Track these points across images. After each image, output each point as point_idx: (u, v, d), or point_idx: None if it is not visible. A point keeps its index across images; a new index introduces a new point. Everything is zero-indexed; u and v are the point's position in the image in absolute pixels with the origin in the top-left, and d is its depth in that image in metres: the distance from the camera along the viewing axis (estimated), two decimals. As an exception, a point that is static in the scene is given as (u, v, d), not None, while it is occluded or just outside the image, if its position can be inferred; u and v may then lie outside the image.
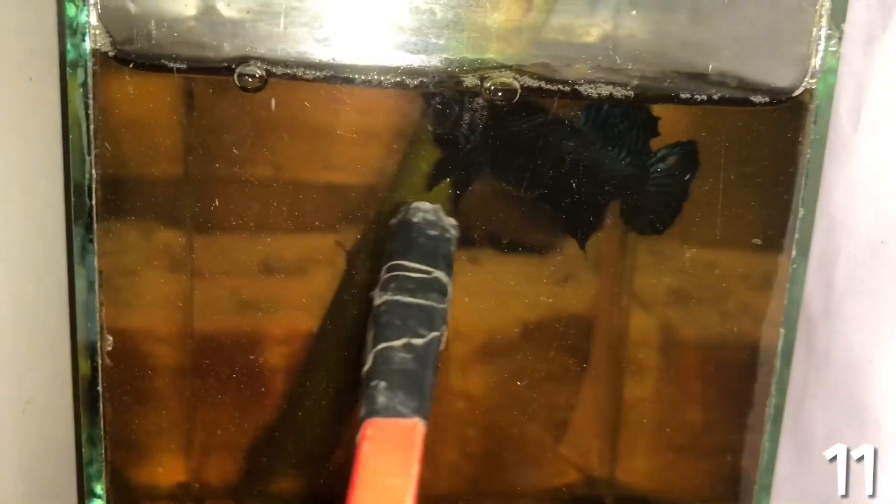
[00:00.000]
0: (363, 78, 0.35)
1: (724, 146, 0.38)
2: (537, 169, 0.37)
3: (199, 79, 0.35)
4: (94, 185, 0.35)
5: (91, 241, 0.36)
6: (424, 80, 0.35)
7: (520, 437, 0.41)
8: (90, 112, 0.35)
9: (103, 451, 0.38)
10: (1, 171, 0.35)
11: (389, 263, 0.33)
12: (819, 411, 0.41)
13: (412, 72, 0.35)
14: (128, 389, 0.38)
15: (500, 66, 0.35)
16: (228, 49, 0.35)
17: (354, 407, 0.35)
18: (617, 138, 0.37)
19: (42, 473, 0.41)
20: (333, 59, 0.35)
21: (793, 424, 0.42)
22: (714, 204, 0.38)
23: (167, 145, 0.36)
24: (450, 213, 0.37)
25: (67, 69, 0.34)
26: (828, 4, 0.36)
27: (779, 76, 0.37)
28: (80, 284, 0.36)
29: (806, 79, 0.37)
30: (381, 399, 0.28)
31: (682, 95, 0.36)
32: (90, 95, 0.34)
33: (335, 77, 0.35)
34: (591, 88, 0.36)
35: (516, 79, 0.35)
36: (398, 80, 0.35)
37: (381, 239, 0.36)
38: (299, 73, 0.35)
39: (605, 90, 0.36)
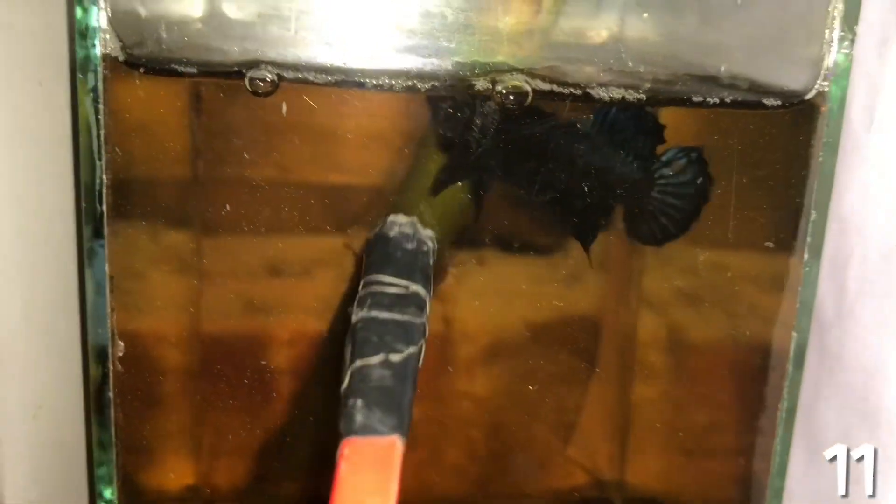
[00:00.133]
0: (374, 82, 0.35)
1: (736, 149, 0.38)
2: (544, 172, 0.37)
3: (210, 83, 0.35)
4: (104, 190, 0.35)
5: (101, 246, 0.36)
6: (436, 83, 0.35)
7: (531, 439, 0.41)
8: (100, 117, 0.34)
9: (114, 456, 0.38)
10: (11, 176, 0.35)
11: (366, 278, 0.33)
12: (831, 414, 0.41)
13: (423, 76, 0.35)
14: (138, 394, 0.38)
15: (512, 70, 0.35)
16: (239, 53, 0.34)
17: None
18: (622, 144, 0.37)
19: (53, 478, 0.41)
20: (345, 63, 0.35)
21: (805, 427, 0.42)
22: (726, 207, 0.38)
23: (177, 149, 0.36)
24: (461, 216, 0.37)
25: (77, 74, 0.34)
26: (841, 6, 0.36)
27: (791, 79, 0.37)
28: (91, 290, 0.36)
29: (818, 81, 0.37)
30: (359, 418, 0.28)
31: (694, 99, 0.36)
32: (100, 100, 0.34)
33: (346, 81, 0.35)
34: (602, 92, 0.36)
35: (528, 82, 0.35)
36: (409, 84, 0.35)
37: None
38: (310, 77, 0.35)
39: (617, 93, 0.36)
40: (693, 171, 0.38)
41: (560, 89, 0.36)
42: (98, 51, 0.34)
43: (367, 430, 0.28)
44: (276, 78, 0.34)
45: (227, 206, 0.36)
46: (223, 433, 0.39)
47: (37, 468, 0.38)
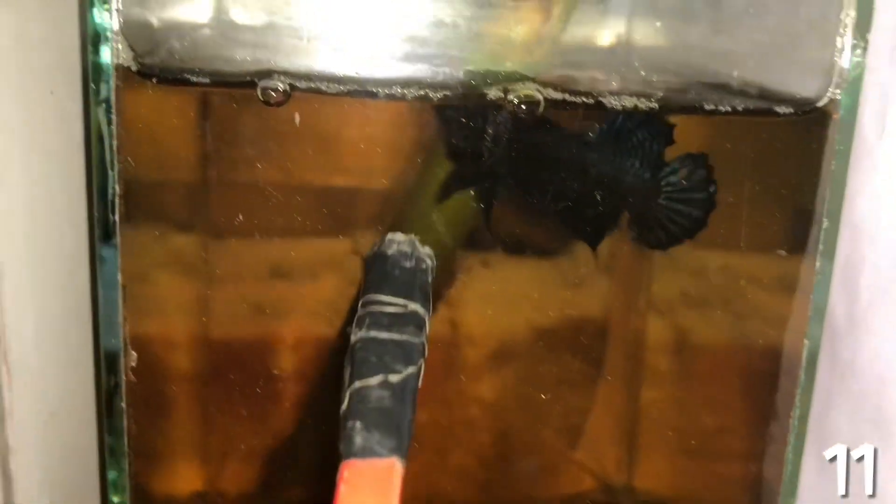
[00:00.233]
0: (386, 92, 0.35)
1: (748, 157, 0.38)
2: (552, 178, 0.37)
3: (222, 92, 0.35)
4: (116, 200, 0.35)
5: (114, 255, 0.36)
6: (448, 93, 0.35)
7: (539, 444, 0.41)
8: (113, 127, 0.35)
9: (126, 464, 0.38)
10: (23, 185, 0.35)
11: (364, 298, 0.33)
12: (843, 422, 0.41)
13: (435, 85, 0.35)
14: (150, 403, 0.38)
15: (524, 79, 0.35)
16: (251, 63, 0.34)
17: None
18: (631, 147, 0.37)
19: (65, 485, 0.41)
20: (357, 72, 0.35)
21: (816, 435, 0.42)
22: (738, 214, 0.38)
23: (189, 158, 0.36)
24: (471, 222, 0.37)
25: (90, 84, 0.34)
26: (853, 14, 0.36)
27: (803, 86, 0.37)
28: (103, 299, 0.36)
29: (830, 89, 0.37)
30: (358, 440, 0.28)
31: (707, 107, 0.36)
32: (113, 110, 0.34)
33: (358, 91, 0.35)
34: (614, 100, 0.36)
35: (539, 91, 0.35)
36: (422, 93, 0.35)
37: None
38: (322, 86, 0.35)
39: (629, 102, 0.36)
40: (699, 178, 0.38)
41: (572, 98, 0.36)
42: (111, 61, 0.34)
43: (366, 452, 0.28)
44: (288, 88, 0.34)
45: (240, 216, 0.36)
46: (235, 440, 0.39)
47: (49, 475, 0.39)
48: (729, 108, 0.36)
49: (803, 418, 0.40)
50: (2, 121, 0.33)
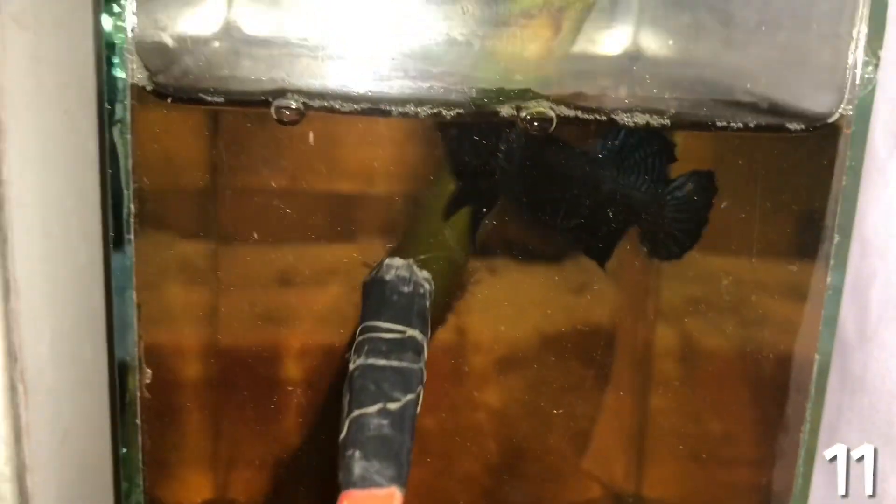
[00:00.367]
0: (400, 110, 0.35)
1: (759, 172, 0.38)
2: (558, 196, 0.37)
3: (236, 111, 0.35)
4: (131, 219, 0.35)
5: (129, 274, 0.36)
6: (461, 111, 0.35)
7: (547, 452, 0.41)
8: (128, 146, 0.35)
9: (141, 481, 0.38)
10: (38, 204, 0.35)
11: (363, 325, 0.33)
12: (853, 436, 0.41)
13: (448, 103, 0.35)
14: (165, 420, 0.38)
15: (537, 96, 0.35)
16: (265, 82, 0.35)
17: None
18: (634, 164, 0.37)
19: (81, 500, 0.41)
20: (370, 91, 0.35)
21: (827, 448, 0.42)
22: (749, 229, 0.38)
23: (204, 176, 0.36)
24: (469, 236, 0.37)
25: (105, 104, 0.34)
26: (865, 30, 0.36)
27: (815, 102, 0.37)
28: (118, 317, 0.36)
29: (842, 105, 0.37)
30: (357, 469, 0.28)
31: (718, 123, 0.36)
32: (128, 130, 0.34)
33: (371, 109, 0.35)
34: (627, 117, 0.36)
35: (552, 108, 0.35)
36: (435, 111, 0.35)
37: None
38: (336, 105, 0.35)
39: (642, 119, 0.36)
40: (704, 194, 0.38)
41: (584, 115, 0.36)
42: (126, 80, 0.34)
43: (365, 482, 0.28)
44: (301, 106, 0.34)
45: (255, 234, 0.36)
46: (252, 456, 0.40)
47: (64, 493, 0.39)
48: (741, 125, 0.36)
49: (814, 432, 0.40)
50: (17, 140, 0.33)
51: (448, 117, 0.35)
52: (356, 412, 0.30)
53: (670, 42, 0.36)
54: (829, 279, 0.38)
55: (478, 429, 0.40)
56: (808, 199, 0.38)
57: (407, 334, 0.32)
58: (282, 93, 0.34)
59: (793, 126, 0.37)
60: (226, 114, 0.35)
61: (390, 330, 0.32)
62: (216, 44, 0.34)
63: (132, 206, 0.35)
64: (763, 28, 0.36)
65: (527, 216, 0.37)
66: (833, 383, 0.41)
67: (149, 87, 0.34)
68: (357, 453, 0.29)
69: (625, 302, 0.39)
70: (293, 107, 0.34)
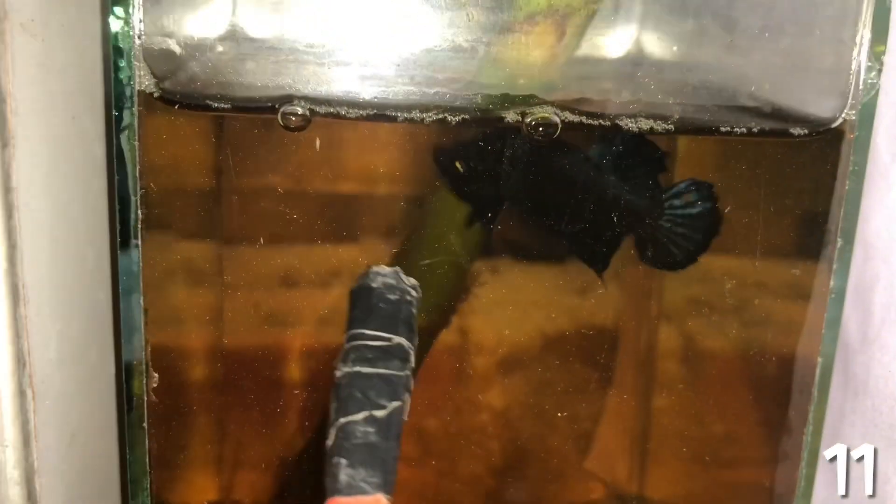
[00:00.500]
0: (405, 116, 0.35)
1: (763, 177, 0.38)
2: (553, 203, 0.37)
3: (243, 118, 0.35)
4: (139, 225, 0.36)
5: (136, 278, 0.36)
6: (466, 116, 0.35)
7: (550, 453, 0.41)
8: (136, 153, 0.35)
9: (148, 484, 0.39)
10: (46, 209, 0.36)
11: (349, 332, 0.33)
12: (856, 438, 0.41)
13: (453, 109, 0.35)
14: (172, 423, 0.38)
15: (541, 102, 0.35)
16: (272, 88, 0.35)
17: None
18: (625, 173, 0.37)
19: (88, 502, 0.41)
20: (376, 97, 0.35)
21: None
22: (753, 232, 0.38)
23: (210, 182, 0.36)
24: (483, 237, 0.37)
25: (112, 111, 0.34)
26: (868, 35, 0.36)
27: (818, 107, 0.37)
28: (125, 321, 0.37)
29: (845, 110, 0.37)
30: (343, 477, 0.29)
31: (722, 128, 0.36)
32: (136, 136, 0.35)
33: (377, 115, 0.35)
34: (631, 122, 0.36)
35: (556, 114, 0.35)
36: (441, 117, 0.35)
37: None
38: (342, 111, 0.35)
39: (646, 124, 0.36)
40: (704, 204, 0.38)
41: (589, 121, 0.36)
42: (133, 88, 0.34)
43: (351, 489, 0.28)
44: (308, 112, 0.35)
45: (262, 240, 0.37)
46: (258, 458, 0.40)
47: (71, 495, 0.39)
48: (744, 130, 0.36)
49: (816, 434, 0.40)
50: (25, 146, 0.33)
51: (453, 123, 0.35)
52: (342, 420, 0.30)
53: (674, 47, 0.36)
54: (832, 282, 0.39)
55: (481, 430, 0.40)
56: (812, 203, 0.38)
57: (393, 342, 0.33)
58: (288, 99, 0.35)
59: (796, 131, 0.37)
60: (232, 120, 0.35)
61: (377, 337, 0.32)
62: (222, 50, 0.35)
63: (139, 212, 0.35)
64: (767, 33, 0.36)
65: (531, 220, 0.38)
66: (836, 386, 0.41)
67: (156, 94, 0.34)
68: (343, 461, 0.29)
69: (628, 304, 0.40)
70: (299, 113, 0.35)
